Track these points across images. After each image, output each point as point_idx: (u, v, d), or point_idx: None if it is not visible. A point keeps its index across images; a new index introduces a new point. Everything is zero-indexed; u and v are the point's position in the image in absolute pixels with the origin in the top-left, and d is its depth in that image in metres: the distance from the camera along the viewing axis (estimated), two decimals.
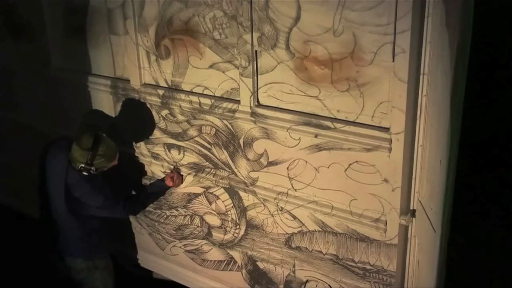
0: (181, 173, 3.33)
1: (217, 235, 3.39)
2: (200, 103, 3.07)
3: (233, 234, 3.30)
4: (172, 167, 3.35)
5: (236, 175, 3.10)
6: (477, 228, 4.07)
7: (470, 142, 3.23)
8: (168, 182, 3.29)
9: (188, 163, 3.31)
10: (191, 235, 3.53)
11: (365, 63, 2.41)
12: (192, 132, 3.19)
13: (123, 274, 3.60)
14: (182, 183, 3.34)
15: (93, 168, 2.89)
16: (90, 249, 3.18)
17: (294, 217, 2.95)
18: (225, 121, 3.01)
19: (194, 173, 3.30)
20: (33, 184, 4.47)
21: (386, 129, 2.45)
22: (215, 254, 3.47)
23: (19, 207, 4.64)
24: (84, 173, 2.90)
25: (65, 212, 3.04)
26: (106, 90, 3.51)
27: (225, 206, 3.26)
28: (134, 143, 3.51)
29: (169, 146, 3.35)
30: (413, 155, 2.42)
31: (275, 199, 2.97)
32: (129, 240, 3.87)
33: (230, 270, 3.44)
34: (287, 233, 3.03)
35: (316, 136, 2.67)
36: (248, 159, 3.00)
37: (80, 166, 2.88)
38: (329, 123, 2.61)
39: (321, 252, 2.93)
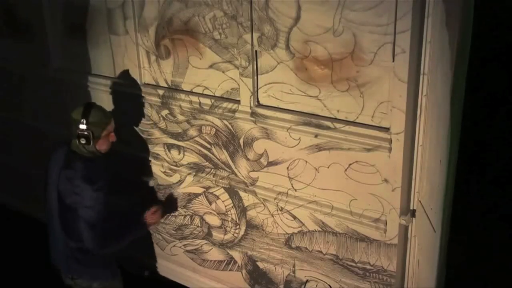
0: (163, 208, 3.23)
1: (217, 235, 3.39)
2: (200, 103, 3.07)
3: (233, 234, 3.30)
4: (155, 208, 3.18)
5: (236, 175, 3.10)
6: (477, 228, 4.07)
7: (470, 142, 3.22)
8: (148, 217, 3.12)
9: (188, 163, 3.31)
10: (191, 235, 3.53)
11: (365, 63, 2.41)
12: (192, 132, 3.19)
13: (124, 275, 3.60)
14: (161, 217, 3.23)
15: (88, 131, 2.77)
16: (88, 270, 2.98)
17: (294, 217, 2.95)
18: (225, 121, 3.01)
19: (194, 173, 3.30)
20: (33, 184, 4.48)
21: (386, 129, 2.45)
22: (215, 254, 3.47)
23: (19, 207, 4.64)
24: (82, 140, 2.78)
25: (58, 221, 2.92)
26: (106, 90, 3.51)
27: (225, 206, 3.26)
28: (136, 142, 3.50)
29: (169, 146, 3.35)
30: (413, 155, 2.42)
31: (275, 199, 2.97)
32: (145, 246, 3.79)
33: (230, 270, 3.44)
34: (287, 233, 3.03)
35: (316, 136, 2.67)
36: (248, 159, 3.00)
37: (77, 131, 2.78)
38: (329, 123, 2.61)
39: (321, 252, 2.93)
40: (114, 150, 3.00)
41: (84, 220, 2.77)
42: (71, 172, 2.83)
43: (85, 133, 2.78)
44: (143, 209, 3.15)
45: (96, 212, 2.78)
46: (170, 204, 3.40)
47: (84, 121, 2.78)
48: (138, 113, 3.39)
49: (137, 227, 3.10)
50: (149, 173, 3.53)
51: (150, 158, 3.48)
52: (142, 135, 3.45)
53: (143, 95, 3.31)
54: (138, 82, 3.30)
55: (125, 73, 3.37)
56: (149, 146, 3.44)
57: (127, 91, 3.39)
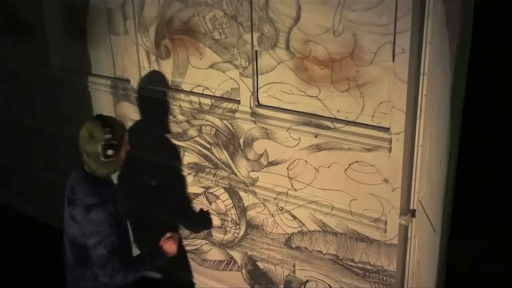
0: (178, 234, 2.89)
1: (217, 235, 3.39)
2: (200, 103, 3.07)
3: (233, 234, 3.30)
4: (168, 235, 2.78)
5: (236, 175, 3.10)
6: (477, 228, 4.07)
7: (470, 142, 3.22)
8: (168, 248, 2.73)
9: (188, 163, 3.31)
10: (191, 235, 3.53)
11: (365, 63, 2.41)
12: (192, 132, 3.19)
13: None
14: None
15: (114, 141, 2.51)
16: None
17: (294, 217, 2.95)
18: (225, 121, 3.01)
19: (194, 173, 3.30)
20: (33, 183, 4.49)
21: (386, 129, 2.45)
22: (215, 254, 3.47)
23: (19, 207, 4.65)
24: (109, 152, 2.50)
25: (68, 245, 2.68)
26: (106, 90, 3.51)
27: (225, 206, 3.26)
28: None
29: None
30: (413, 155, 2.42)
31: (275, 199, 2.97)
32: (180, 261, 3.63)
33: (230, 270, 3.44)
34: (287, 233, 3.03)
35: (316, 136, 2.67)
36: (248, 159, 3.01)
37: (101, 144, 2.49)
38: (329, 123, 2.61)
39: (321, 252, 2.93)
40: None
41: (93, 254, 2.51)
42: (74, 197, 2.57)
43: (112, 143, 2.51)
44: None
45: (100, 246, 2.48)
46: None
47: (108, 130, 2.51)
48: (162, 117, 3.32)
49: (153, 255, 2.71)
50: (153, 173, 3.53)
51: (156, 159, 3.47)
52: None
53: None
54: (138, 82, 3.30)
55: (125, 73, 3.37)
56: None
57: (126, 91, 3.39)
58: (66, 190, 2.64)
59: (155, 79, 3.26)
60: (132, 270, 2.58)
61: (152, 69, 3.25)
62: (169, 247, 2.72)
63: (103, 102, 3.57)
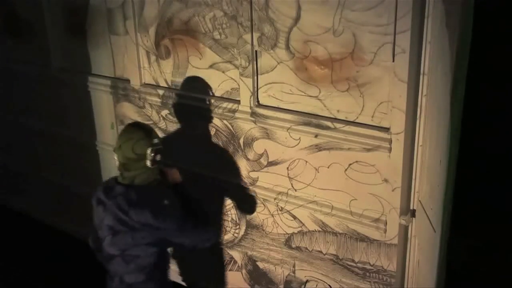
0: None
1: None
2: None
3: (233, 234, 3.30)
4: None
5: None
6: (477, 228, 4.08)
7: (470, 142, 3.23)
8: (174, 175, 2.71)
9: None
10: None
11: (365, 63, 2.41)
12: None
13: None
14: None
15: (161, 146, 2.48)
16: None
17: (294, 217, 2.95)
18: (225, 121, 3.01)
19: None
20: (33, 184, 4.48)
21: (386, 129, 2.45)
22: None
23: (19, 207, 4.65)
24: (158, 157, 2.45)
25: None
26: (106, 90, 3.51)
27: (225, 206, 3.26)
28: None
29: None
30: (413, 155, 2.42)
31: (275, 199, 2.97)
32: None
33: (230, 270, 3.44)
34: (287, 233, 3.03)
35: (316, 136, 2.68)
36: (248, 159, 3.01)
37: (151, 148, 2.43)
38: (329, 123, 2.61)
39: (321, 252, 2.93)
40: None
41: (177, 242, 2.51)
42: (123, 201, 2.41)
43: (161, 148, 2.46)
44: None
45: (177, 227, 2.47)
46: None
47: (155, 135, 2.48)
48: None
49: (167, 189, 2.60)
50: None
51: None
52: None
53: (143, 95, 3.31)
54: (138, 82, 3.30)
55: (125, 73, 3.36)
56: None
57: (126, 91, 3.40)
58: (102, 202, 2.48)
59: (156, 79, 3.26)
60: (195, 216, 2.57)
61: (152, 69, 3.25)
62: (173, 173, 2.67)
63: (103, 102, 3.57)
